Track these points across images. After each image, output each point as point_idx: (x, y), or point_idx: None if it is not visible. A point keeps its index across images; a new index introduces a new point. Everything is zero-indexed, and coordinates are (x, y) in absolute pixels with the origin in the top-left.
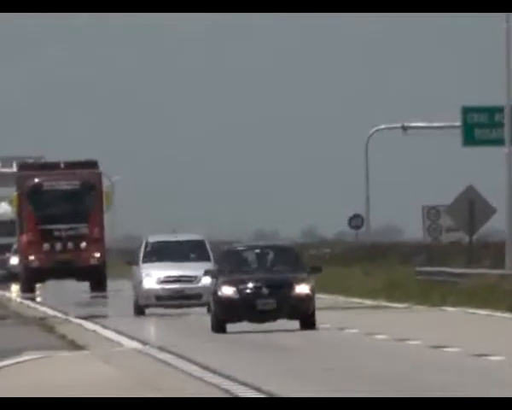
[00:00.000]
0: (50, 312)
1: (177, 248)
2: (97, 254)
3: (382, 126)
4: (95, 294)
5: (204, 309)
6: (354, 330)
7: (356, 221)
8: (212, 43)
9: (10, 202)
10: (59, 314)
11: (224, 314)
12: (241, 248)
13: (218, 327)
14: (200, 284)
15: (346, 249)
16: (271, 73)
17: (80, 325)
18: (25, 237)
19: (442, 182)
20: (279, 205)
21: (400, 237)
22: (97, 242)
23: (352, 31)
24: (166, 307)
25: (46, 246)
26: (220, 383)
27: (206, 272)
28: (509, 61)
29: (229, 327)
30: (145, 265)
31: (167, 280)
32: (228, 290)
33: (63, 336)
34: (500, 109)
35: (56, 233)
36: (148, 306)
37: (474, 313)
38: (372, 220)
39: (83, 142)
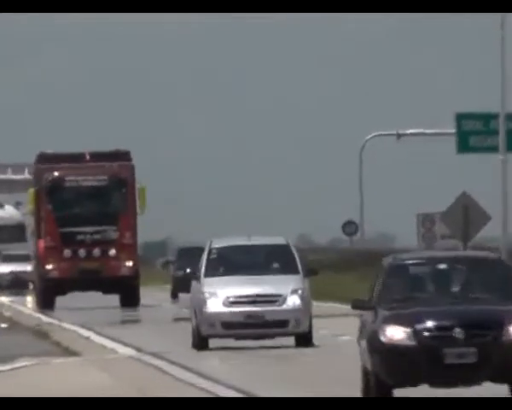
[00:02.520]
0: (45, 319)
1: (253, 256)
2: (129, 263)
3: (376, 134)
4: (127, 310)
5: (290, 340)
6: (346, 337)
7: (350, 228)
8: (212, 47)
9: (27, 205)
10: (54, 321)
11: (393, 374)
12: (414, 262)
13: (382, 391)
14: (285, 307)
15: (340, 256)
16: (266, 79)
17: (75, 331)
18: (42, 242)
19: (436, 189)
20: (272, 211)
21: (394, 245)
22: (129, 248)
23: (347, 38)
24: (238, 337)
25: (68, 253)
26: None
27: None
28: (503, 67)
29: None
30: (208, 280)
31: (239, 301)
32: (397, 333)
33: (57, 343)
34: (495, 116)
35: (80, 237)
36: (212, 336)
37: None
38: (366, 227)
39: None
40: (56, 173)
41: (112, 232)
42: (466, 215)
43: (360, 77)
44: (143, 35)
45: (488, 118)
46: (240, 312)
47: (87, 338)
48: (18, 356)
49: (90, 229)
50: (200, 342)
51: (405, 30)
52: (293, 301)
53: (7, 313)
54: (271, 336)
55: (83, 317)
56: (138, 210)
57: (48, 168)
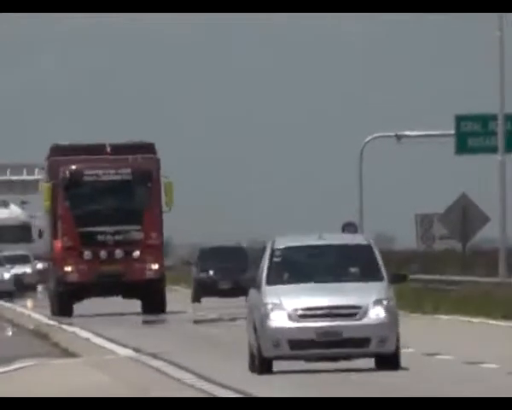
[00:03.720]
0: (44, 320)
1: (327, 258)
2: (154, 266)
3: (376, 135)
4: (151, 317)
5: (370, 361)
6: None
7: (349, 229)
8: (212, 48)
9: (43, 203)
10: (52, 322)
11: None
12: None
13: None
14: (366, 321)
15: None
16: (266, 80)
17: (73, 332)
18: (59, 243)
19: (435, 190)
20: (272, 213)
21: (393, 246)
22: (154, 249)
23: (347, 40)
24: (308, 359)
25: (87, 254)
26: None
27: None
28: (502, 69)
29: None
30: (271, 288)
31: (310, 314)
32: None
33: (56, 344)
34: (493, 117)
35: (101, 238)
36: (277, 357)
37: (467, 321)
38: (365, 229)
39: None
40: (74, 167)
41: (135, 232)
42: (464, 216)
43: (360, 79)
44: (174, 31)
45: (487, 119)
46: (311, 328)
47: (86, 339)
48: (17, 357)
49: (111, 228)
50: (261, 365)
51: (404, 32)
52: (377, 313)
53: (7, 315)
54: (349, 358)
55: (107, 326)
56: (164, 207)
57: (64, 161)
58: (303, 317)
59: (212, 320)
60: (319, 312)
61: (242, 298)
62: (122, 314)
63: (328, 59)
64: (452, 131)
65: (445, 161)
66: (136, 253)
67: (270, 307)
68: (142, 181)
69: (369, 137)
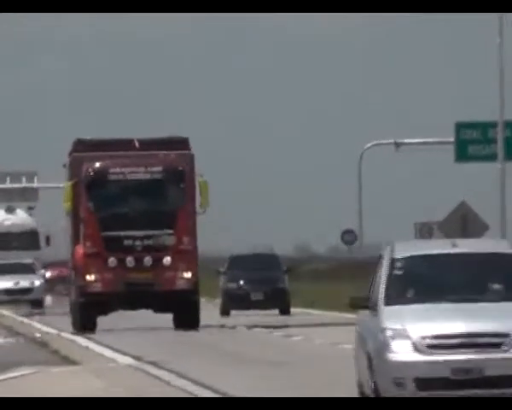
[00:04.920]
0: (44, 328)
1: (462, 271)
2: (187, 275)
3: (375, 143)
4: (185, 332)
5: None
6: (348, 346)
7: (349, 236)
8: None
9: (64, 202)
10: (52, 330)
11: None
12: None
13: None
14: None
15: (339, 265)
16: (265, 85)
17: (73, 340)
18: (81, 249)
19: (435, 198)
20: (271, 220)
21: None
22: (187, 256)
23: (346, 48)
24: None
25: (112, 261)
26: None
27: None
28: (502, 76)
29: None
30: (392, 309)
31: (442, 344)
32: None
33: (56, 352)
34: (493, 125)
35: (128, 243)
36: None
37: None
38: (365, 236)
39: None
40: (98, 164)
41: (166, 236)
42: (464, 224)
43: (359, 86)
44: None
45: (487, 127)
46: (443, 362)
47: (86, 347)
48: (17, 365)
49: (139, 233)
50: None
51: (405, 40)
52: None
53: (7, 323)
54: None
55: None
56: (199, 209)
57: (88, 157)
58: (433, 347)
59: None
60: (454, 341)
61: (275, 311)
62: (153, 329)
63: (328, 67)
64: (452, 139)
65: (444, 169)
66: (167, 260)
67: (390, 334)
68: (174, 180)
69: (368, 145)
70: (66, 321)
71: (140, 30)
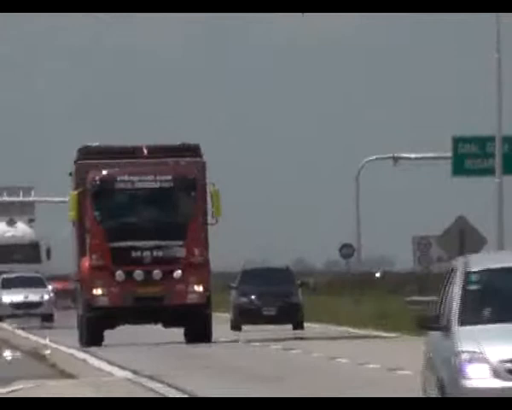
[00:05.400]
0: (41, 341)
1: None
2: (199, 288)
3: (373, 157)
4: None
5: None
6: (344, 360)
7: (346, 250)
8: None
9: (69, 211)
10: (50, 343)
11: None
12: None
13: None
14: None
15: (336, 279)
16: (262, 100)
17: (71, 354)
18: (87, 261)
19: (433, 212)
20: (269, 234)
21: (390, 267)
22: (199, 268)
23: (345, 63)
24: None
25: (120, 275)
26: None
27: None
28: (500, 91)
29: None
30: (467, 330)
31: None
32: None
33: (54, 365)
34: (491, 139)
35: (136, 255)
36: None
37: None
38: (363, 250)
39: None
40: (105, 172)
41: (177, 248)
42: (462, 239)
43: (357, 101)
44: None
45: (484, 141)
46: None
47: (83, 360)
48: (14, 379)
49: (148, 244)
50: None
51: (401, 54)
52: None
53: (4, 336)
54: None
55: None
56: (211, 219)
57: (94, 165)
58: None
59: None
60: None
61: (288, 326)
62: (157, 343)
63: (327, 81)
64: (450, 153)
65: (442, 183)
66: (178, 272)
67: (466, 357)
68: (184, 189)
69: (366, 160)
70: (69, 335)
71: (146, 33)
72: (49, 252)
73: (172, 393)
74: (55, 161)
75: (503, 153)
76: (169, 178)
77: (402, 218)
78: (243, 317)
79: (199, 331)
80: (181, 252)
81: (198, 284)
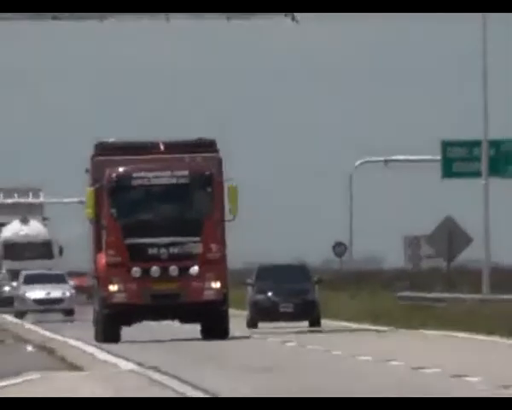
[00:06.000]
0: (50, 335)
1: None
2: (216, 285)
3: (365, 160)
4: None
5: None
6: (338, 352)
7: (339, 249)
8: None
9: (85, 206)
10: (58, 337)
11: None
12: None
13: None
14: None
15: (333, 276)
16: (260, 103)
17: (78, 347)
18: (103, 258)
19: (422, 212)
20: (267, 235)
21: (382, 265)
22: (216, 265)
23: (336, 69)
24: None
25: (136, 271)
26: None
27: None
28: (486, 99)
29: None
30: None
31: None
32: None
33: (63, 358)
34: (477, 143)
35: (152, 251)
36: None
37: (453, 337)
38: (355, 249)
39: None
40: (122, 168)
41: (193, 244)
42: (450, 237)
43: (351, 106)
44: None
45: (471, 145)
46: None
47: (91, 354)
48: (25, 370)
49: (165, 240)
50: None
51: (390, 62)
52: None
53: (15, 330)
54: None
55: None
56: (228, 215)
57: (110, 161)
58: None
59: None
60: None
61: (305, 323)
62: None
63: (317, 88)
64: (439, 157)
65: (431, 185)
66: (195, 269)
67: None
68: (201, 185)
69: (359, 162)
70: (88, 329)
71: (157, 41)
72: (61, 249)
73: (175, 384)
74: (63, 164)
75: (489, 156)
76: (185, 174)
77: (392, 217)
78: (260, 314)
79: (215, 328)
80: (197, 248)
81: (215, 280)
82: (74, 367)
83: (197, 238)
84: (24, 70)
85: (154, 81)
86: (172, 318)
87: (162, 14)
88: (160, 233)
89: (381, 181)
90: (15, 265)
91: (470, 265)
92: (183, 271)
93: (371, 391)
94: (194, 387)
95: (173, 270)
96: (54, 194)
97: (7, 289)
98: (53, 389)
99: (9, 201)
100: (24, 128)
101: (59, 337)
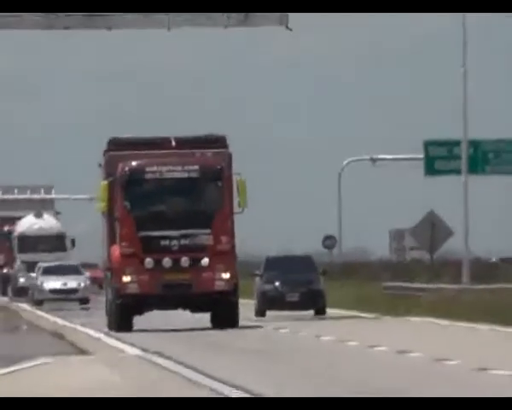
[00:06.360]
0: (60, 322)
1: None
2: (226, 275)
3: (354, 158)
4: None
5: None
6: (329, 337)
7: (329, 242)
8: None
9: (98, 200)
10: (68, 324)
11: None
12: None
13: None
14: None
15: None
16: (253, 100)
17: (86, 333)
18: (117, 249)
19: (407, 207)
20: (258, 227)
21: (369, 257)
22: (226, 256)
23: (326, 76)
24: None
25: (149, 262)
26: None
27: None
28: (465, 101)
29: None
30: None
31: None
32: None
33: (72, 343)
34: (458, 143)
35: (165, 243)
36: None
37: (435, 323)
38: (344, 241)
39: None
40: (135, 163)
41: (204, 236)
42: (432, 230)
43: (340, 109)
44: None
45: (452, 144)
46: None
47: (98, 339)
48: (37, 355)
49: (176, 233)
50: None
51: (376, 66)
52: None
53: (27, 317)
54: None
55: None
56: (237, 208)
57: (124, 156)
58: None
59: None
60: None
61: (311, 312)
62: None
63: (306, 92)
64: (421, 155)
65: (415, 182)
66: (205, 260)
67: None
68: (211, 179)
69: (347, 160)
70: (100, 316)
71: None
72: (73, 242)
73: (178, 368)
74: (73, 164)
75: (468, 155)
76: (196, 168)
77: (379, 212)
78: (267, 303)
79: (225, 317)
80: (208, 240)
81: (225, 271)
82: (83, 352)
83: (208, 230)
84: (36, 76)
85: (153, 84)
86: (183, 307)
87: (165, 23)
88: (171, 226)
89: (368, 178)
90: (30, 257)
91: (451, 256)
92: (195, 262)
93: (358, 375)
94: (194, 369)
95: (185, 261)
96: (63, 191)
97: (22, 279)
98: (64, 371)
99: (23, 197)
100: (37, 131)
101: (69, 324)
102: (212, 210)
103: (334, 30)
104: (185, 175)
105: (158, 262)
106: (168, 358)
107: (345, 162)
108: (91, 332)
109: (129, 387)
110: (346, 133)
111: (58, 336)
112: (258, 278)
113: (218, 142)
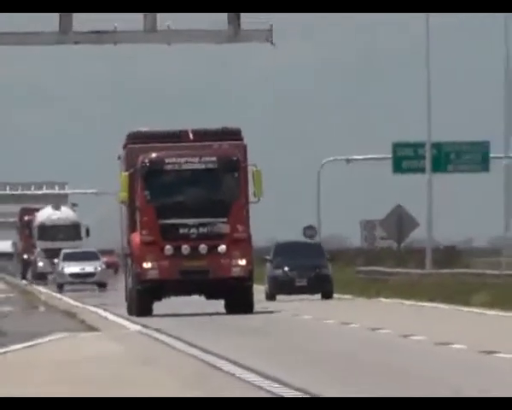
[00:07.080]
0: (72, 302)
1: None
2: (242, 262)
3: (331, 158)
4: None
5: None
6: (308, 316)
7: (310, 231)
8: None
9: (119, 192)
10: (79, 304)
11: None
12: None
13: None
14: None
15: None
16: (244, 101)
17: (96, 312)
18: (138, 237)
19: (377, 201)
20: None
21: (344, 245)
22: (242, 244)
23: (314, 80)
24: None
25: (169, 249)
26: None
27: None
28: (429, 106)
29: None
30: None
31: None
32: None
33: (83, 321)
34: (422, 145)
35: (183, 231)
36: None
37: (402, 303)
38: (322, 231)
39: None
40: (154, 154)
41: (221, 225)
42: (399, 222)
43: (318, 112)
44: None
45: (417, 146)
46: None
47: (105, 317)
48: (52, 331)
49: (195, 221)
50: None
51: (351, 72)
52: None
53: (43, 298)
54: None
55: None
56: (252, 198)
57: (144, 148)
58: None
59: None
60: None
61: (318, 295)
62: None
63: (286, 97)
64: (390, 155)
65: (384, 179)
66: (222, 247)
67: None
68: (228, 170)
69: (325, 160)
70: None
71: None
72: (87, 231)
73: (178, 343)
74: (86, 161)
75: (431, 156)
76: (213, 159)
77: (353, 206)
78: (277, 288)
79: (241, 303)
80: (225, 228)
81: (241, 258)
82: (92, 328)
83: (224, 219)
84: (51, 84)
85: (154, 89)
86: (200, 293)
87: (165, 39)
88: (190, 214)
89: (343, 176)
90: (48, 245)
91: (416, 244)
92: (212, 249)
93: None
94: (191, 345)
95: (202, 248)
96: (75, 187)
97: (41, 264)
98: (76, 344)
99: (40, 192)
100: (53, 132)
101: (81, 305)
102: (229, 200)
103: (313, 36)
104: (203, 166)
105: (177, 249)
106: (166, 334)
107: (323, 162)
108: (99, 311)
109: (132, 356)
110: (324, 137)
111: (71, 315)
112: (268, 264)
113: (233, 134)
